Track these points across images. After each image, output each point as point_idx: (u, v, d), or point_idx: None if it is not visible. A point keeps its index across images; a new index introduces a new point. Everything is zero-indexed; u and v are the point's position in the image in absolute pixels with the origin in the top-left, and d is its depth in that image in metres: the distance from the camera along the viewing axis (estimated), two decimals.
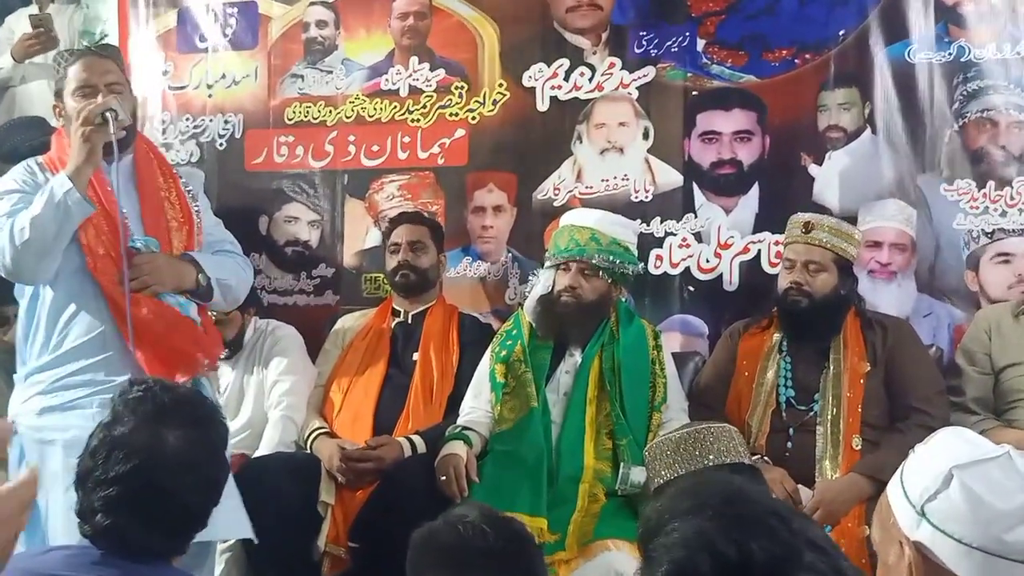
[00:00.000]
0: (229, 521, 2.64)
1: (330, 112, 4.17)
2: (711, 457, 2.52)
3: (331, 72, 4.20)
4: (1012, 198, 3.41)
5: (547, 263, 3.39)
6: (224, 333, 3.52)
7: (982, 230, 3.43)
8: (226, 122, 4.30)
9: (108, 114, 2.62)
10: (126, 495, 1.75)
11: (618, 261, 3.28)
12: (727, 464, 2.49)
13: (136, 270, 2.67)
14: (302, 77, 4.23)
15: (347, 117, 4.15)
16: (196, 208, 2.91)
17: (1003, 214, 3.41)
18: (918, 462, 1.37)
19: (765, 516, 0.99)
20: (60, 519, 2.49)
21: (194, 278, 2.79)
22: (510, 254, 3.95)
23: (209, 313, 2.94)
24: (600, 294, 3.28)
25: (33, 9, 4.35)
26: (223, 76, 4.32)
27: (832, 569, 0.97)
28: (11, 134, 4.04)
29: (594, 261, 3.26)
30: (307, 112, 4.20)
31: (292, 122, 4.22)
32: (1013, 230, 3.41)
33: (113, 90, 2.75)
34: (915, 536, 1.26)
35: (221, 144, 4.32)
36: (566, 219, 3.44)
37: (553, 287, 3.30)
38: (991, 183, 3.43)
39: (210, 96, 4.33)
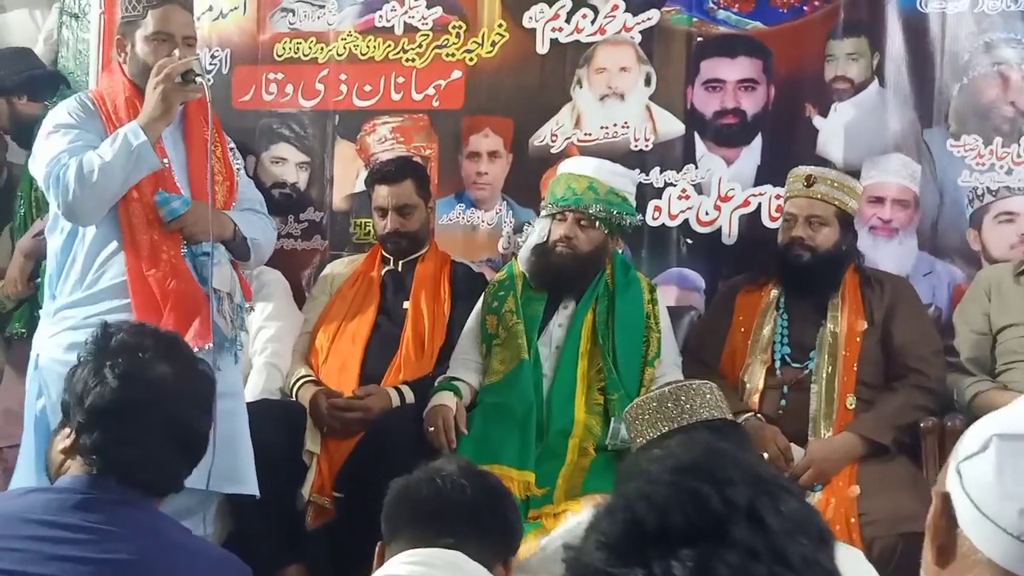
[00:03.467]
0: (243, 474, 2.75)
1: (321, 49, 4.03)
2: (694, 413, 2.47)
3: (323, 7, 4.05)
4: (1019, 156, 3.31)
5: (543, 212, 3.32)
6: None
7: (987, 187, 3.34)
8: (213, 57, 4.17)
9: (190, 75, 2.66)
10: (115, 407, 1.73)
11: (616, 211, 3.21)
12: (710, 419, 2.43)
13: (180, 220, 2.71)
14: (293, 11, 4.08)
15: (339, 55, 4.01)
16: (238, 167, 2.96)
17: (1009, 172, 3.32)
18: (984, 421, 1.34)
19: (699, 485, 0.93)
20: None
21: (232, 229, 2.82)
22: (505, 202, 3.85)
23: (243, 271, 2.96)
24: (596, 245, 3.20)
25: None
26: (210, 8, 4.15)
27: (768, 549, 0.91)
28: None
29: (591, 211, 3.18)
30: (297, 48, 4.06)
31: (282, 59, 4.08)
32: (1018, 188, 3.32)
33: (188, 43, 2.77)
34: (946, 488, 1.25)
35: (208, 80, 4.18)
36: (563, 167, 3.36)
37: (548, 237, 3.22)
38: (998, 139, 3.33)
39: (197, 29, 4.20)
